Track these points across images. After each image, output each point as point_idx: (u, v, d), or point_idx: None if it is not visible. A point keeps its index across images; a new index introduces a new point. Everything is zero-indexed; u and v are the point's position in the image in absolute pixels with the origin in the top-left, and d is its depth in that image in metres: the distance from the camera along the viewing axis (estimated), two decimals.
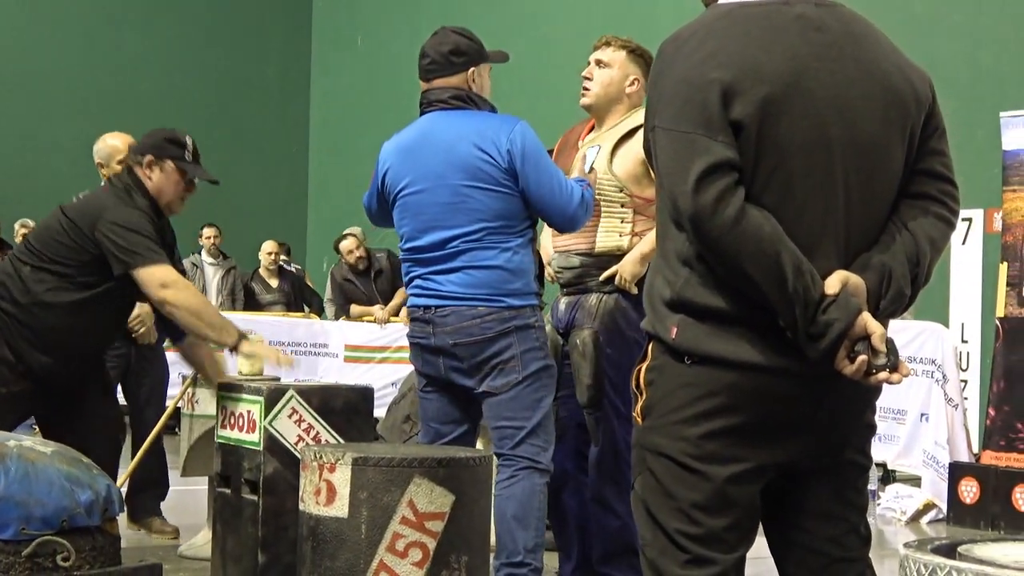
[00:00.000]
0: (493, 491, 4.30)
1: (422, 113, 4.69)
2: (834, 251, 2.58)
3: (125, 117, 16.15)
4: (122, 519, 4.83)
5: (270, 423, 4.64)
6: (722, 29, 2.61)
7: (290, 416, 4.70)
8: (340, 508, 3.46)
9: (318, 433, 4.70)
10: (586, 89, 5.08)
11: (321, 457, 3.51)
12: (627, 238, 4.89)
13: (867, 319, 2.51)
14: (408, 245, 4.64)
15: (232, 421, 4.85)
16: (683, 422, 2.60)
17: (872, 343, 2.50)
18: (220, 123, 17.16)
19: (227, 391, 4.92)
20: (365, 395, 4.90)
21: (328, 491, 3.48)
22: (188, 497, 7.24)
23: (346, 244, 12.15)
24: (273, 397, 4.67)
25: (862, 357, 2.49)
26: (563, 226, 4.68)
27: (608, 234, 4.91)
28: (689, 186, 2.49)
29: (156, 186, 5.23)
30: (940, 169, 2.73)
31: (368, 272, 12.10)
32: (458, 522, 3.53)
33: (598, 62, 5.09)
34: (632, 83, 5.03)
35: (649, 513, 2.67)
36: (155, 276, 4.91)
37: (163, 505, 6.83)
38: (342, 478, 3.44)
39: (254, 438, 4.70)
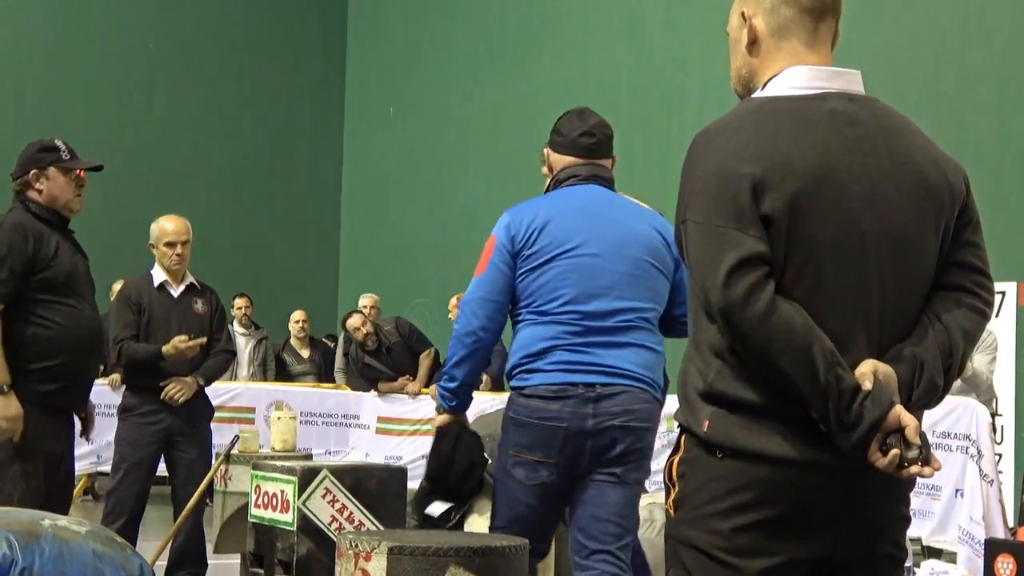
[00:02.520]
0: None
1: (578, 184, 4.50)
2: (866, 344, 2.59)
3: (155, 184, 16.33)
4: None
5: (304, 503, 4.65)
6: (753, 123, 2.62)
7: (324, 496, 4.71)
8: None
9: (351, 513, 4.70)
10: None
11: (357, 546, 3.50)
12: None
13: (900, 411, 2.51)
14: (566, 308, 4.30)
15: (266, 500, 4.85)
16: (715, 515, 2.60)
17: (906, 436, 2.50)
18: (251, 192, 17.27)
19: (261, 469, 4.94)
20: (398, 475, 4.91)
21: None
22: (222, 572, 7.24)
23: (352, 322, 11.92)
24: (307, 477, 4.68)
25: (895, 451, 2.49)
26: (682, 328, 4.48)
27: None
28: (720, 279, 2.51)
29: (48, 195, 5.36)
30: (974, 261, 2.74)
31: (379, 350, 11.87)
32: None
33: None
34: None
35: None
36: None
37: None
38: (378, 567, 3.43)
39: (288, 518, 4.71)
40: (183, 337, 6.65)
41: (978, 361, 8.86)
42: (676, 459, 2.70)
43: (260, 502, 4.88)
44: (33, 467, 5.11)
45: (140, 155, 16.19)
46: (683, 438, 2.70)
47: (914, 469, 2.51)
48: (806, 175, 2.56)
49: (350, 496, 4.73)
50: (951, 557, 8.49)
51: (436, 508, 4.35)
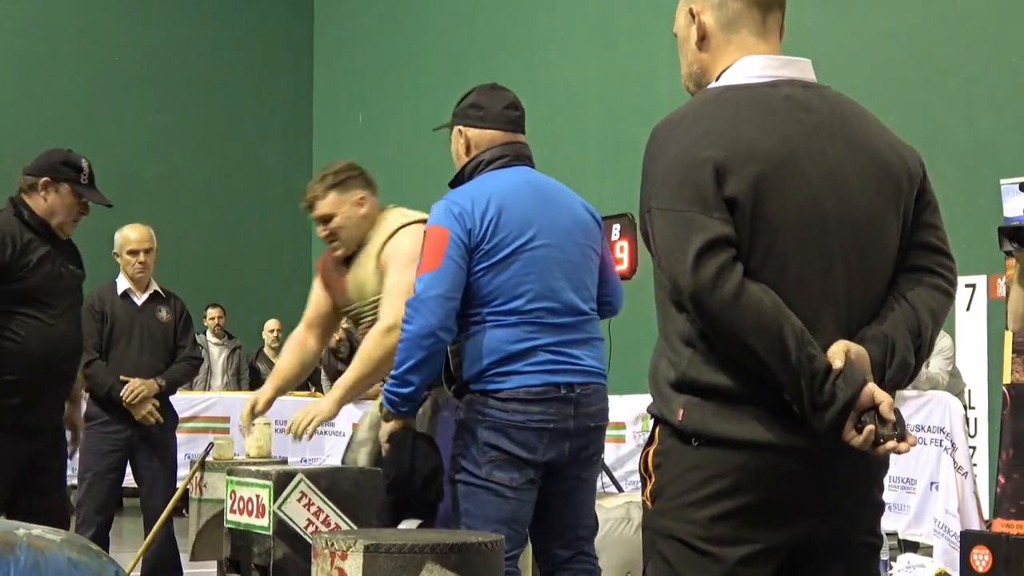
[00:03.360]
0: None
1: (505, 166, 4.29)
2: (834, 326, 2.59)
3: (126, 198, 16.22)
4: None
5: (279, 507, 4.62)
6: (711, 111, 2.63)
7: (299, 500, 4.69)
8: None
9: (327, 516, 4.68)
10: (334, 243, 5.01)
11: (332, 544, 3.49)
12: None
13: (874, 389, 2.51)
14: (532, 306, 4.11)
15: (241, 506, 4.83)
16: (692, 505, 2.60)
17: (880, 412, 2.50)
18: (221, 203, 17.22)
19: (236, 475, 4.91)
20: (373, 477, 4.88)
21: None
22: None
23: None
24: (282, 481, 4.66)
25: (869, 427, 2.49)
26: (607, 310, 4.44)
27: None
28: (688, 264, 2.51)
29: (49, 208, 5.25)
30: (935, 242, 2.76)
31: (351, 356, 11.82)
32: None
33: (321, 219, 5.00)
34: (359, 203, 4.96)
35: None
36: None
37: None
38: (354, 565, 3.41)
39: (263, 523, 4.68)
40: (136, 383, 6.63)
41: (934, 366, 8.89)
42: (651, 450, 2.70)
43: (236, 507, 4.85)
44: None
45: (110, 168, 15.91)
46: (657, 429, 2.70)
47: (890, 445, 2.52)
48: (767, 159, 2.57)
49: (325, 499, 4.71)
50: (927, 550, 8.53)
51: (405, 525, 4.27)
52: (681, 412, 2.61)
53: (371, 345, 4.71)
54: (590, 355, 4.17)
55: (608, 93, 13.81)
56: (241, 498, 4.81)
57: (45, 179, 5.23)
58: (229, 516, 4.88)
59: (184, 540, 6.63)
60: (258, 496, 4.69)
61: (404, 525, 4.25)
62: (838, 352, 2.53)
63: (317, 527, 4.65)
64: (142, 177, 16.36)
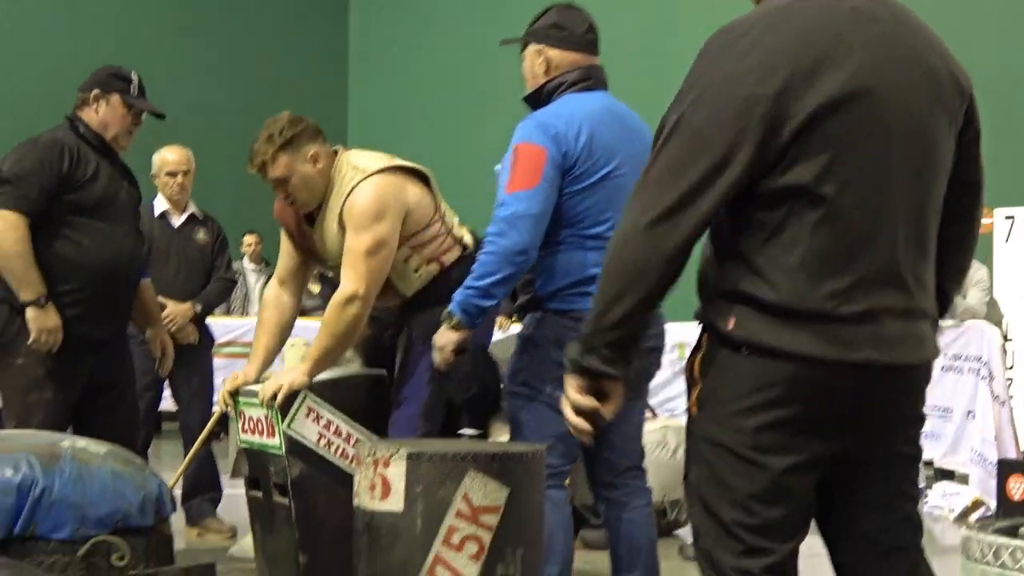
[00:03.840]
0: (623, 513, 4.30)
1: (586, 89, 4.28)
2: (889, 242, 2.58)
3: (164, 125, 16.23)
4: (180, 523, 4.82)
5: (288, 426, 4.58)
6: (776, 24, 2.58)
7: (307, 415, 4.62)
8: (395, 503, 3.45)
9: (338, 426, 4.61)
10: (294, 204, 4.88)
11: (375, 452, 3.52)
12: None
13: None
14: (612, 233, 4.17)
15: (251, 426, 4.77)
16: (739, 413, 2.59)
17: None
18: (257, 128, 17.22)
19: (242, 395, 4.84)
20: (379, 382, 4.83)
21: (383, 486, 3.47)
22: (237, 499, 7.28)
23: None
24: (286, 401, 4.61)
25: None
26: None
27: None
28: (671, 202, 2.54)
29: (102, 120, 5.29)
30: (976, 177, 2.81)
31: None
32: (513, 516, 3.51)
33: (276, 182, 4.86)
34: (313, 160, 4.80)
35: (704, 503, 2.66)
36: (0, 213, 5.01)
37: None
38: (397, 473, 3.44)
39: (275, 442, 4.62)
40: (172, 311, 6.66)
41: (971, 296, 8.85)
42: (699, 357, 2.69)
43: (247, 427, 4.79)
44: (53, 395, 5.09)
45: (150, 92, 16.15)
46: (705, 336, 2.69)
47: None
48: (833, 77, 2.53)
49: (334, 411, 4.65)
50: (963, 479, 8.53)
51: (466, 433, 4.29)
52: (732, 321, 2.59)
53: (333, 318, 4.62)
54: None
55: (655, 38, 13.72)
56: (250, 418, 4.77)
57: (96, 91, 5.27)
58: (242, 436, 4.83)
59: (223, 460, 6.70)
60: (267, 416, 4.65)
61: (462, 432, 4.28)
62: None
63: (329, 440, 4.61)
64: (180, 104, 16.28)
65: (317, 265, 5.24)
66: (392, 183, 4.72)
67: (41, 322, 4.98)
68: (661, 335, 4.37)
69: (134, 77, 5.37)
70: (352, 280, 4.57)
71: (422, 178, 4.87)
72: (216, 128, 16.52)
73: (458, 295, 4.19)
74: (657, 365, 4.44)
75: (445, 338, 4.23)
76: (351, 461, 4.55)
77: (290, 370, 4.78)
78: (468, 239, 4.93)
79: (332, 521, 4.50)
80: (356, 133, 18.27)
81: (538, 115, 4.21)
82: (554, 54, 4.29)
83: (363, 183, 4.70)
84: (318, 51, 18.22)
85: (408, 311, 4.82)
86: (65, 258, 5.08)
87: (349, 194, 4.68)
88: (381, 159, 4.85)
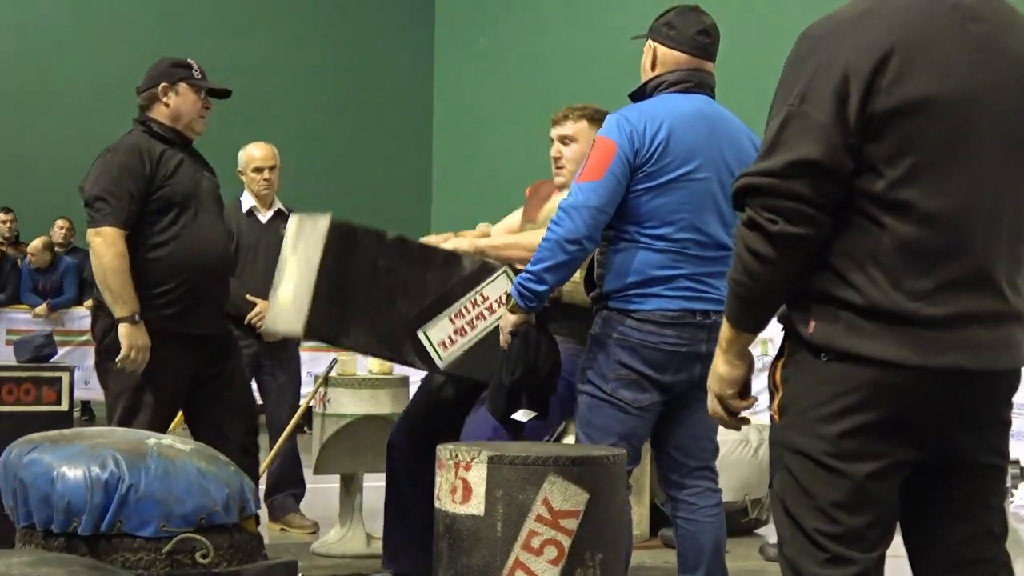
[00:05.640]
0: (693, 515, 4.30)
1: (685, 91, 4.31)
2: (977, 244, 2.55)
3: (252, 117, 16.38)
4: (263, 518, 4.85)
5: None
6: (877, 15, 2.56)
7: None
8: (476, 506, 3.46)
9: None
10: (560, 168, 4.95)
11: (457, 456, 3.53)
12: None
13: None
14: (682, 236, 4.18)
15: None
16: (821, 420, 2.57)
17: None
18: (343, 123, 17.35)
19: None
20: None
21: (464, 489, 3.48)
22: (320, 495, 7.34)
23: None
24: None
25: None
26: None
27: None
28: (776, 169, 2.54)
29: (174, 110, 5.30)
30: None
31: None
32: (593, 520, 3.51)
33: (562, 139, 4.95)
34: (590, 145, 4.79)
35: (787, 511, 2.65)
36: (98, 230, 5.06)
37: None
38: (478, 476, 3.45)
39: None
40: (264, 308, 6.68)
41: None
42: (780, 363, 2.68)
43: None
44: (154, 399, 5.12)
45: (237, 88, 16.29)
46: (787, 342, 2.67)
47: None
48: (928, 77, 2.51)
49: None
50: None
51: (522, 415, 4.29)
52: (812, 325, 2.58)
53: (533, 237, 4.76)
54: (724, 287, 4.21)
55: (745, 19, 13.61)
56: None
57: (163, 85, 5.29)
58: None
59: (307, 456, 6.74)
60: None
61: (518, 416, 4.29)
62: None
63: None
64: (266, 99, 16.50)
65: None
66: None
67: (133, 339, 5.01)
68: None
69: (192, 62, 5.40)
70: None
71: None
72: (302, 122, 16.66)
73: (518, 277, 4.27)
74: None
75: (505, 320, 4.32)
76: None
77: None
78: None
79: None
80: (441, 127, 18.33)
81: (624, 110, 4.24)
82: (661, 51, 4.33)
83: None
84: (405, 44, 18.26)
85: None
86: (158, 259, 5.12)
87: None
88: None
